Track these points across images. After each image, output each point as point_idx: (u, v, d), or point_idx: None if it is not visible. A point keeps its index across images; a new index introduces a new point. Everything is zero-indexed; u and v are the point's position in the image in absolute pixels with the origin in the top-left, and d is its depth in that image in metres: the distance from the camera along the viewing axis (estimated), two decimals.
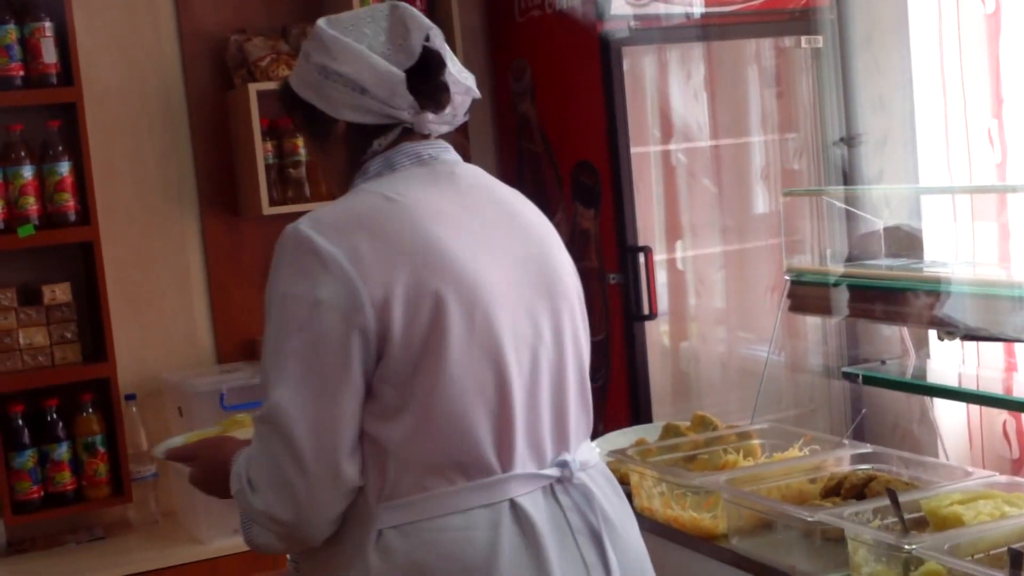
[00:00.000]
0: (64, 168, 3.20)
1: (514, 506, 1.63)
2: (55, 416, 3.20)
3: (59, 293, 3.23)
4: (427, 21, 1.74)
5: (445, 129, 1.78)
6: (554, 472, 1.68)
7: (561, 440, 1.71)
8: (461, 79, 1.76)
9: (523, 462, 1.65)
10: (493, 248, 1.69)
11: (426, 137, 1.75)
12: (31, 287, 3.26)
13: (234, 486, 1.65)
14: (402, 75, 1.68)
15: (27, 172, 3.17)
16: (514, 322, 1.66)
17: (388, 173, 1.72)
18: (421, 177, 1.72)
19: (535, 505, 1.65)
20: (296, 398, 1.57)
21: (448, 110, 1.74)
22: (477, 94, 1.80)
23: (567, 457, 1.71)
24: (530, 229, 1.78)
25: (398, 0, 1.77)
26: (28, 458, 3.14)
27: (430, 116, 1.72)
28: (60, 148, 3.21)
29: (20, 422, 3.16)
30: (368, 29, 1.72)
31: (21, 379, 3.17)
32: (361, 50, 1.69)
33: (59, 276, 3.28)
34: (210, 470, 1.79)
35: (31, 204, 3.17)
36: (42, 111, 3.25)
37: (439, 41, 1.74)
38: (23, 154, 3.18)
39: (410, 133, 1.74)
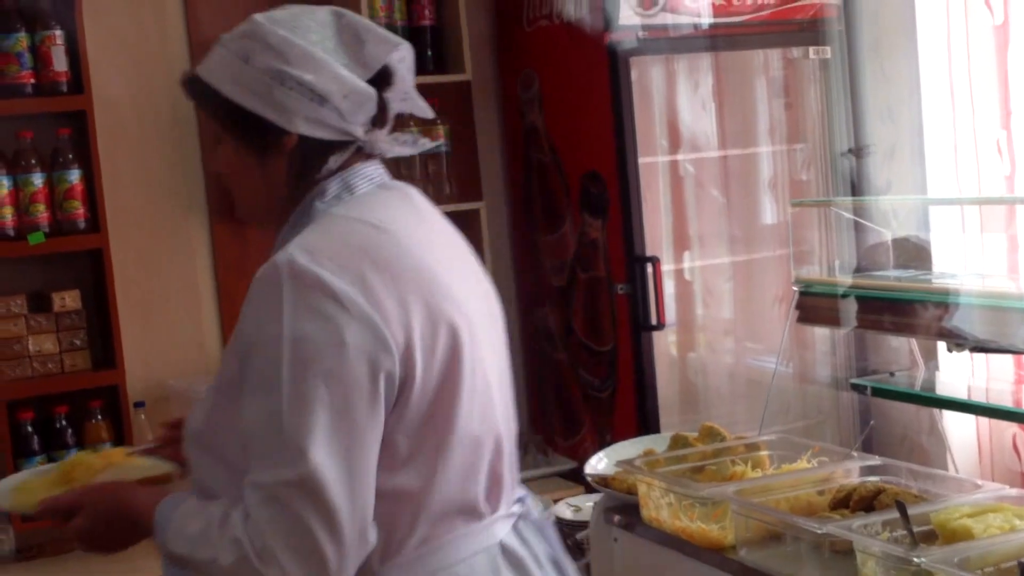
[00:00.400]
0: (74, 176, 3.21)
1: (503, 548, 1.60)
2: (64, 423, 3.21)
3: (69, 300, 3.24)
4: (392, 36, 1.60)
5: (405, 151, 1.64)
6: (517, 508, 1.66)
7: (515, 475, 1.68)
8: (416, 99, 1.65)
9: (503, 501, 1.62)
10: (465, 277, 1.63)
11: (369, 158, 1.62)
12: (41, 294, 3.27)
13: (226, 556, 1.43)
14: (373, 91, 1.56)
15: (37, 180, 3.19)
16: (492, 354, 1.61)
17: (347, 196, 1.58)
18: (390, 202, 1.59)
19: (516, 544, 1.62)
20: (333, 458, 1.40)
21: (385, 129, 1.62)
22: (428, 114, 1.67)
23: (522, 492, 1.68)
24: (472, 254, 1.71)
25: (339, 7, 1.63)
26: (37, 465, 3.14)
27: (382, 135, 1.60)
28: (70, 156, 3.22)
29: (29, 429, 3.17)
30: (315, 35, 1.56)
31: (30, 386, 3.18)
32: (324, 57, 1.54)
33: (69, 283, 3.29)
34: (109, 520, 1.59)
35: (41, 211, 3.18)
36: (52, 119, 3.27)
37: (404, 54, 1.61)
38: (33, 162, 3.20)
39: (359, 152, 1.60)
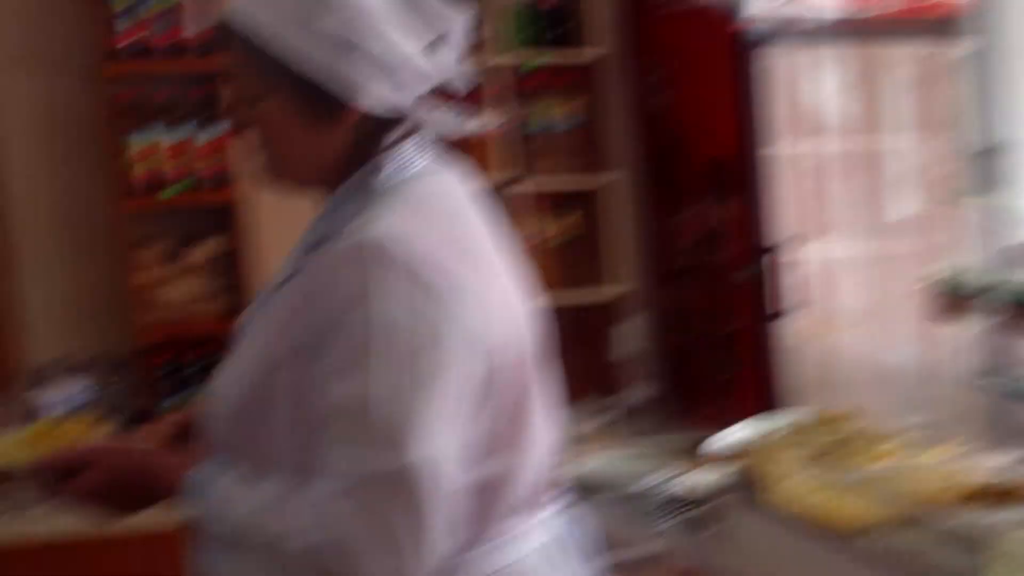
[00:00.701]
0: (212, 132, 3.31)
1: (552, 542, 1.54)
2: (196, 368, 3.31)
3: (204, 251, 3.34)
4: (450, 4, 1.47)
5: (454, 130, 1.52)
6: (554, 505, 1.60)
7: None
8: (459, 72, 1.50)
9: (550, 497, 1.57)
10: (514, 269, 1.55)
11: (416, 133, 1.50)
12: (178, 244, 3.37)
13: (295, 541, 1.30)
14: (437, 65, 1.45)
15: (180, 134, 3.29)
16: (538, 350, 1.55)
17: (405, 174, 1.46)
18: (451, 186, 1.50)
19: (561, 538, 1.57)
20: (430, 455, 1.30)
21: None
22: (467, 89, 1.52)
23: (555, 489, 1.61)
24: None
25: None
26: (169, 407, 3.26)
27: (432, 110, 1.48)
28: (211, 113, 3.32)
29: (163, 372, 3.29)
30: None
31: (165, 331, 3.29)
32: (389, 26, 1.40)
33: (205, 235, 3.39)
34: (126, 478, 1.43)
35: (180, 165, 3.29)
36: (190, 78, 3.36)
37: (461, 25, 1.48)
38: (177, 117, 3.30)
39: (410, 127, 1.49)
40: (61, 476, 1.45)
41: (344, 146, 1.44)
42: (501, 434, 1.42)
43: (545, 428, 1.50)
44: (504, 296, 1.44)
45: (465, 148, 3.74)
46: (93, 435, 1.64)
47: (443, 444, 1.31)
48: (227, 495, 1.36)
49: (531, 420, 1.46)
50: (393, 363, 1.31)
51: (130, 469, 1.43)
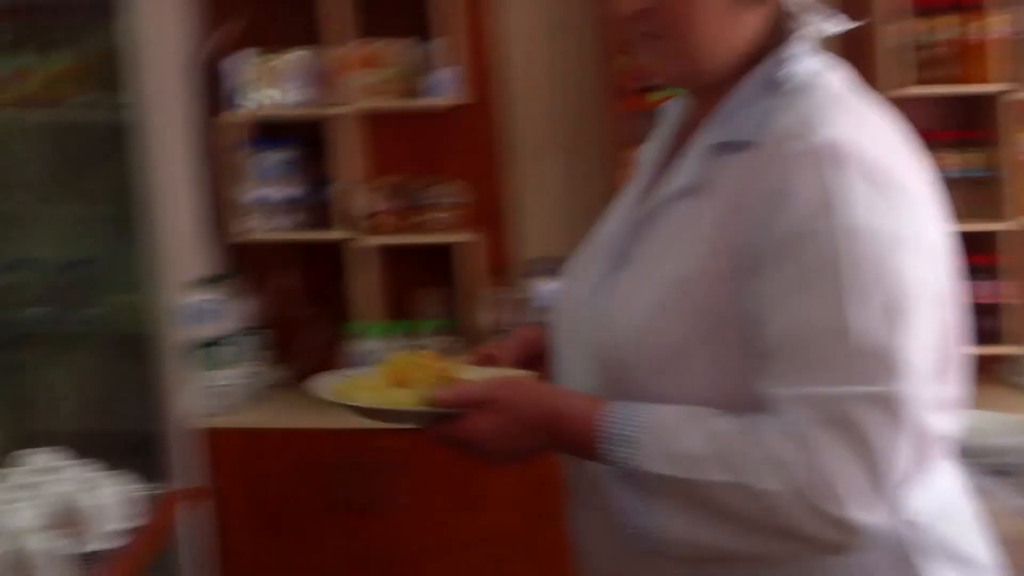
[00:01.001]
0: None
1: (962, 483, 1.46)
2: None
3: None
4: None
5: (832, 29, 1.41)
6: None
7: None
8: None
9: None
10: None
11: (807, 32, 1.40)
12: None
13: (770, 480, 1.20)
14: None
15: None
16: None
17: (814, 70, 1.36)
18: (857, 92, 1.38)
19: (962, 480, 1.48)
20: (915, 389, 1.21)
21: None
22: None
23: None
24: None
25: None
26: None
27: (827, 11, 1.40)
28: None
29: None
30: None
31: None
32: None
33: None
34: (528, 421, 1.31)
35: None
36: None
37: None
38: None
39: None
40: (451, 419, 1.32)
41: (754, 36, 1.36)
42: (937, 363, 1.28)
43: (963, 366, 1.36)
44: (935, 211, 1.32)
45: (963, 52, 3.39)
46: (457, 368, 1.45)
47: (916, 370, 1.21)
48: (659, 434, 1.25)
49: (956, 354, 1.34)
50: (866, 280, 1.20)
51: (535, 411, 1.32)
